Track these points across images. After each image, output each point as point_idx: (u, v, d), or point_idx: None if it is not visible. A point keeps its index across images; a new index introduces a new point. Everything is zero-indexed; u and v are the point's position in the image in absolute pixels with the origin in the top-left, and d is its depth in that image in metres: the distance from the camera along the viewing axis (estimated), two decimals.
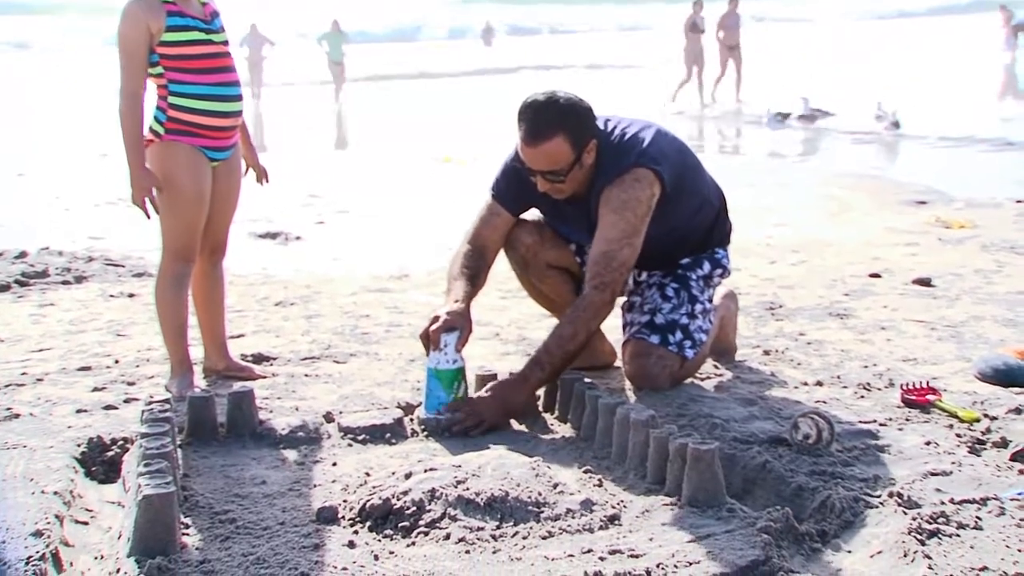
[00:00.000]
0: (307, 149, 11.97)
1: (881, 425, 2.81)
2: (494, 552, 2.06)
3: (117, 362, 3.67)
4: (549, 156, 2.92)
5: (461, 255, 3.18)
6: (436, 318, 2.93)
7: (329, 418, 2.96)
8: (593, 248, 2.99)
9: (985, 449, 2.60)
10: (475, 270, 3.14)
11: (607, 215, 2.97)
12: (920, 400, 2.96)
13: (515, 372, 2.96)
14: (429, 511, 2.18)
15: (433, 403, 2.89)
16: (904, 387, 3.03)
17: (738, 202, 3.46)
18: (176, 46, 3.09)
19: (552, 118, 2.90)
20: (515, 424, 2.91)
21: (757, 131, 13.46)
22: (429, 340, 2.92)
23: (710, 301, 3.31)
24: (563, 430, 2.87)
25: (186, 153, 3.16)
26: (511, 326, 4.12)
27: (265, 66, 20.11)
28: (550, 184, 2.99)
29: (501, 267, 3.43)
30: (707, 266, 3.28)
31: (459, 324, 2.92)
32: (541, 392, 3.05)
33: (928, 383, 3.05)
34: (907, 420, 2.85)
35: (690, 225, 3.20)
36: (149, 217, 3.16)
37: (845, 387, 3.21)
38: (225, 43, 3.21)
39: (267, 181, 3.60)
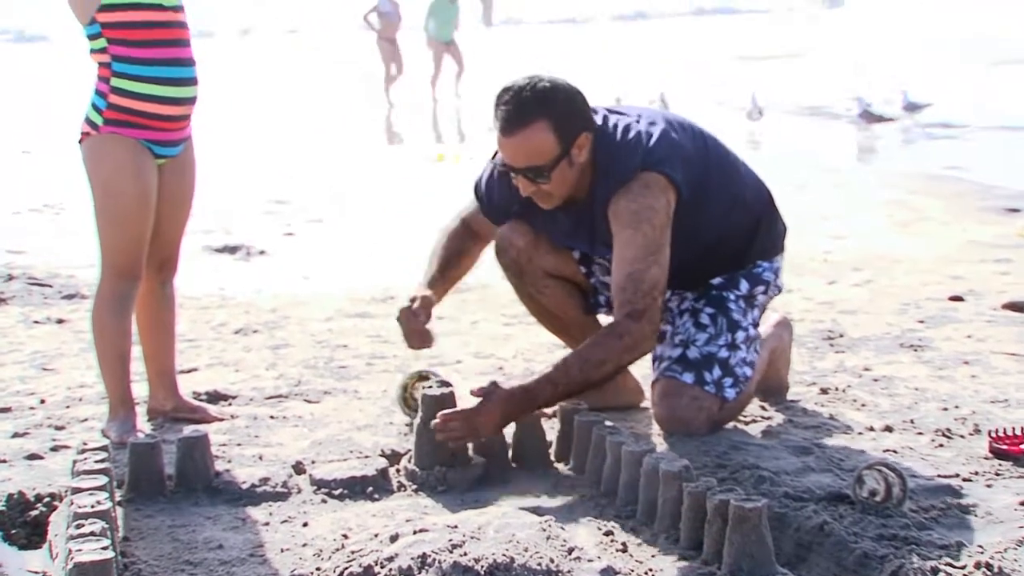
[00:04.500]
0: (274, 146, 12.02)
1: (965, 480, 2.81)
2: None
3: (43, 402, 3.68)
4: (529, 147, 2.95)
5: (447, 233, 3.36)
6: (412, 300, 3.18)
7: (299, 469, 2.96)
8: (615, 272, 3.01)
9: None
10: (458, 249, 3.33)
11: (621, 232, 3.00)
12: (1013, 450, 2.95)
13: (520, 384, 2.97)
14: None
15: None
16: (993, 434, 3.03)
17: (788, 209, 3.46)
18: (119, 10, 3.11)
19: (532, 101, 2.94)
20: (522, 477, 2.91)
21: (807, 123, 13.50)
22: (408, 325, 3.14)
23: (755, 325, 3.32)
24: (579, 484, 2.87)
25: (128, 149, 3.17)
26: (516, 358, 4.13)
27: (400, 43, 17.53)
28: (534, 186, 3.02)
29: (503, 288, 3.44)
30: (744, 285, 3.28)
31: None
32: (552, 439, 3.06)
33: (1023, 430, 3.04)
34: (997, 475, 2.85)
35: (720, 235, 3.21)
36: None
37: (920, 433, 3.20)
38: (178, 10, 3.22)
39: None
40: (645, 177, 2.99)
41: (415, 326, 3.18)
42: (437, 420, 2.87)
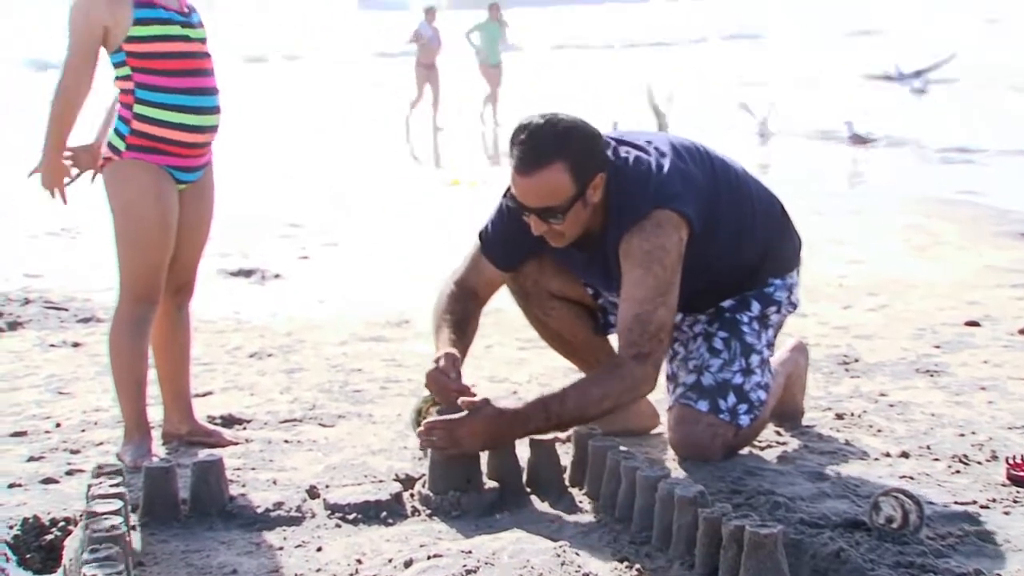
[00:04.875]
0: (288, 169, 12.07)
1: (982, 507, 2.79)
2: None
3: (58, 426, 3.69)
4: (545, 188, 2.92)
5: (445, 298, 3.24)
6: (437, 360, 3.00)
7: (313, 493, 2.96)
8: (622, 310, 2.99)
9: None
10: (462, 315, 3.20)
11: (631, 271, 2.97)
12: None
13: (512, 407, 2.96)
14: None
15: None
16: (1011, 461, 3.02)
17: (803, 234, 3.46)
18: (147, 42, 3.14)
19: (550, 142, 2.91)
20: (536, 502, 2.91)
21: (823, 148, 13.50)
22: (440, 385, 2.97)
23: (770, 346, 3.31)
24: (594, 509, 2.87)
25: (150, 174, 3.20)
26: (531, 382, 4.13)
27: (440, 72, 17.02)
28: (546, 226, 3.00)
29: (516, 312, 3.45)
30: (756, 306, 3.28)
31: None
32: (567, 464, 3.06)
33: None
34: (1015, 502, 2.83)
35: (730, 261, 3.20)
36: (66, 202, 3.21)
37: (937, 460, 3.19)
38: (203, 41, 3.27)
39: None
40: (658, 215, 2.97)
41: (448, 384, 2.96)
42: (421, 427, 2.89)
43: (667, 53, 32.04)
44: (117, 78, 3.20)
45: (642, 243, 2.96)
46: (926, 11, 41.69)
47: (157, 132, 3.18)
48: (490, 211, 3.26)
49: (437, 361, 3.01)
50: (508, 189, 3.08)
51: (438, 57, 16.99)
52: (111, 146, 3.21)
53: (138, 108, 3.17)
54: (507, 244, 3.22)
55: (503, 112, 16.87)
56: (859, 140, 13.36)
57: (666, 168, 3.03)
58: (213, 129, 3.29)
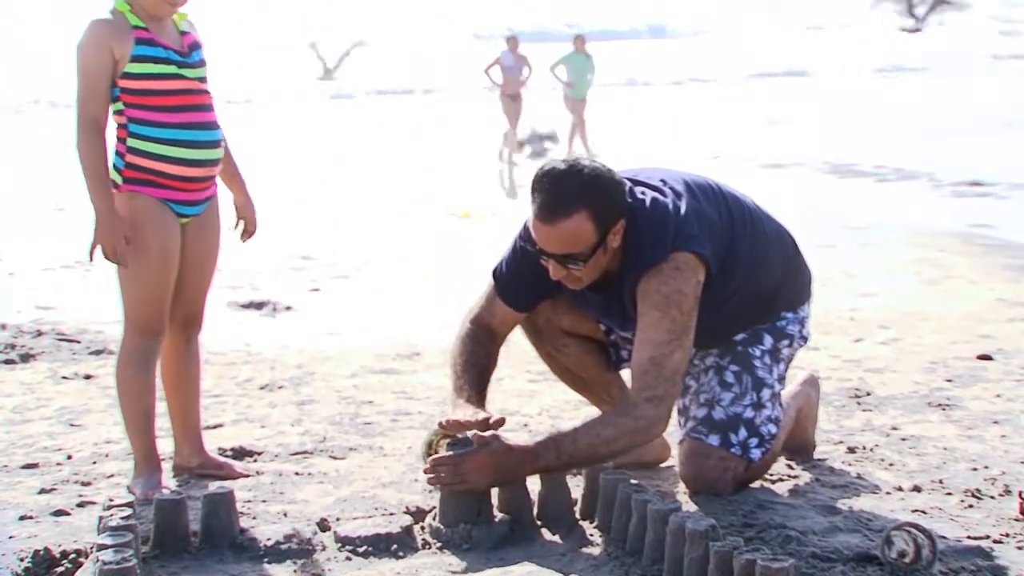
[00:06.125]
0: (300, 202, 12.12)
1: (995, 542, 2.78)
2: None
3: (70, 458, 3.70)
4: (567, 236, 2.92)
5: (462, 339, 3.23)
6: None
7: (324, 526, 2.97)
8: (637, 352, 2.98)
9: None
10: (480, 356, 3.19)
11: (648, 312, 2.97)
12: None
13: (522, 444, 2.95)
14: None
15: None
16: None
17: (815, 267, 3.47)
18: (140, 79, 3.18)
19: (574, 190, 2.91)
20: (547, 534, 2.91)
21: (834, 182, 13.51)
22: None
23: (781, 380, 3.31)
24: (604, 542, 2.86)
25: (148, 206, 3.22)
26: (542, 415, 4.13)
27: (524, 101, 16.36)
28: (566, 271, 3.00)
29: (527, 344, 3.45)
30: (768, 340, 3.28)
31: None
32: (578, 497, 3.05)
33: None
34: None
35: (744, 298, 3.20)
36: (127, 267, 3.20)
37: (949, 494, 3.18)
38: (202, 80, 3.30)
39: (249, 237, 3.60)
40: (676, 258, 2.97)
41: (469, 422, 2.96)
42: (427, 463, 2.89)
43: (717, 89, 32.18)
44: (112, 112, 3.23)
45: (660, 286, 2.96)
46: None
47: (150, 165, 3.20)
48: (504, 249, 3.26)
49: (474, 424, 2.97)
50: (523, 229, 3.09)
51: (524, 88, 16.37)
52: (111, 180, 3.24)
53: (131, 142, 3.20)
54: (521, 285, 3.21)
55: (592, 145, 16.41)
56: None
57: (683, 209, 3.03)
58: (212, 163, 3.31)
